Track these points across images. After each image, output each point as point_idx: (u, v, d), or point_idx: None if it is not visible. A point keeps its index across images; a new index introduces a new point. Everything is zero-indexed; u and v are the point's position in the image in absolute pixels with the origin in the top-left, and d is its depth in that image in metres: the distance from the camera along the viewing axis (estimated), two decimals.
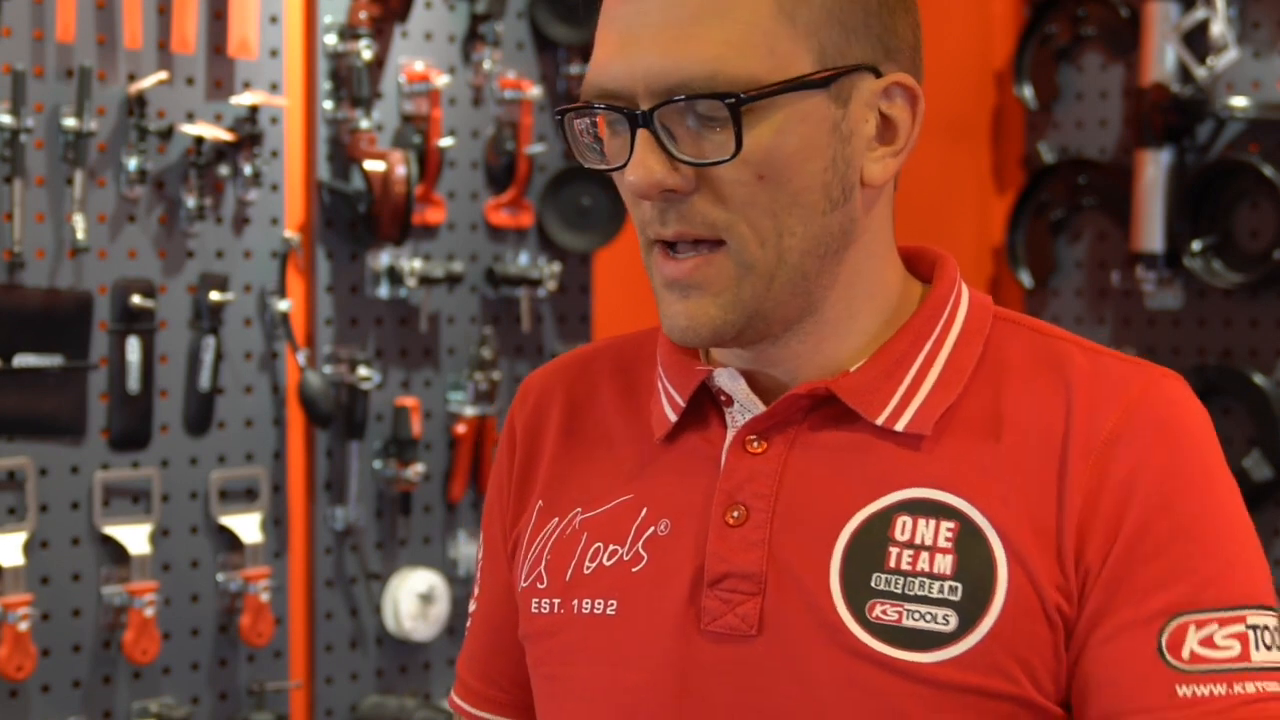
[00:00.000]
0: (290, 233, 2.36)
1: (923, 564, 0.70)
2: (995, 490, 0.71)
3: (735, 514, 0.74)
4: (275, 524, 2.38)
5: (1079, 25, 2.80)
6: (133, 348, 2.18)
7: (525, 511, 0.84)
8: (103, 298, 2.16)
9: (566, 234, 2.57)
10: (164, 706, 2.23)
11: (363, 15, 2.36)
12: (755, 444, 0.75)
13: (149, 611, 2.18)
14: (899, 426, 0.74)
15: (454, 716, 0.90)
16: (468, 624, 0.91)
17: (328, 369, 2.41)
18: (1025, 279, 2.86)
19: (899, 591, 0.70)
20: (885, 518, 0.72)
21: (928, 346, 0.76)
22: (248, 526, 2.31)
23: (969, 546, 0.70)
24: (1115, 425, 0.71)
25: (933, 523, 0.71)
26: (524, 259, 2.60)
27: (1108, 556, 0.70)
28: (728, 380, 0.76)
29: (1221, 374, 2.59)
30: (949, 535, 0.70)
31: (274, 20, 2.31)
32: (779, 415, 0.75)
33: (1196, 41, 2.54)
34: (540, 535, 0.82)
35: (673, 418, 0.79)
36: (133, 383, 2.18)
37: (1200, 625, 0.69)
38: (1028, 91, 2.87)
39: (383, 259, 2.45)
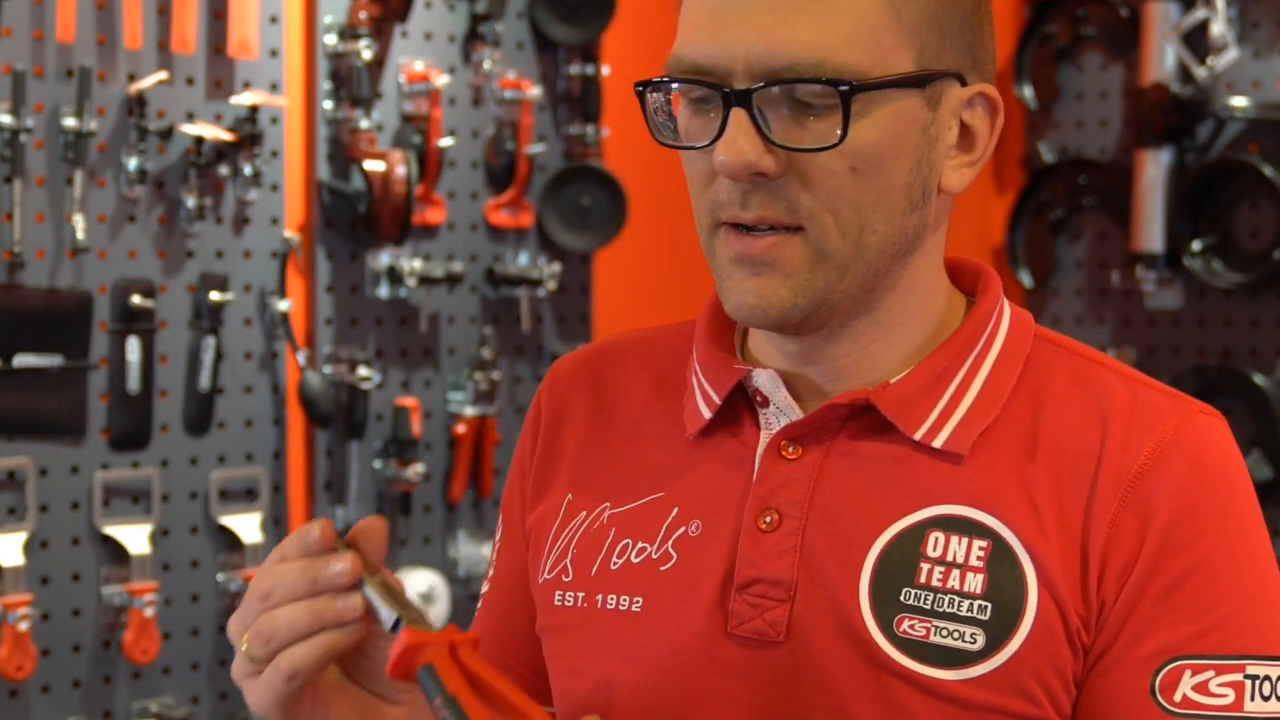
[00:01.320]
0: (290, 233, 2.36)
1: (953, 582, 0.70)
2: (1028, 512, 0.71)
3: (768, 519, 0.74)
4: (275, 524, 2.38)
5: (1079, 25, 2.80)
6: (133, 348, 2.18)
7: (546, 499, 0.84)
8: (103, 298, 2.16)
9: (566, 234, 2.58)
10: (164, 706, 2.23)
11: (363, 15, 2.36)
12: (791, 450, 0.75)
13: (149, 611, 2.18)
14: (937, 443, 0.73)
15: None
16: (479, 604, 0.91)
17: (328, 369, 2.41)
18: (1025, 279, 2.86)
19: (928, 608, 0.70)
20: (918, 533, 0.71)
21: (968, 363, 0.75)
22: (248, 526, 2.31)
23: (1000, 567, 0.70)
24: (1146, 459, 0.71)
25: (965, 540, 0.71)
26: (524, 259, 2.60)
27: (1122, 590, 0.70)
28: (767, 382, 0.75)
29: (1221, 374, 2.59)
30: (981, 554, 0.70)
31: (274, 20, 2.31)
32: (816, 423, 0.74)
33: (1196, 41, 2.54)
34: (568, 528, 0.81)
35: (707, 415, 0.78)
36: (133, 383, 2.18)
37: (1196, 670, 0.69)
38: (1028, 91, 2.87)
39: (383, 259, 2.45)
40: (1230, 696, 0.68)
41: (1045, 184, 2.86)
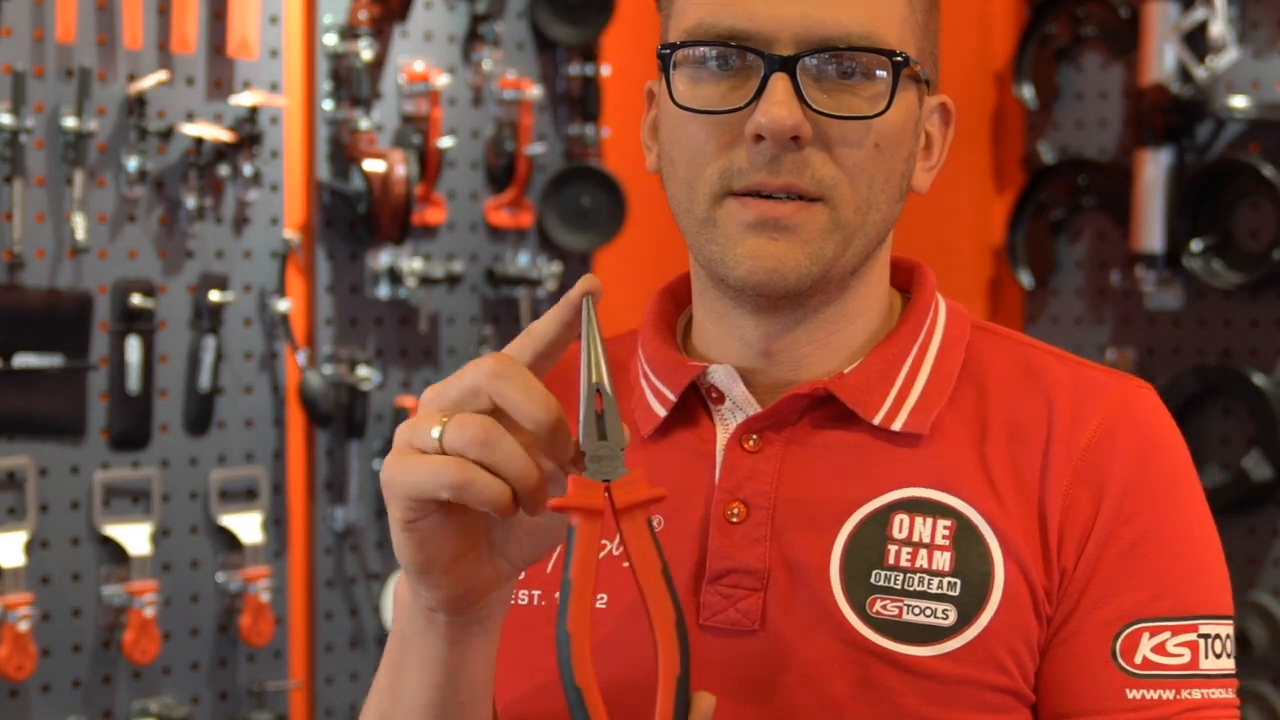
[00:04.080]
0: (290, 233, 2.36)
1: (921, 561, 0.72)
2: (987, 490, 0.73)
3: (735, 511, 0.75)
4: (275, 524, 2.38)
5: (1079, 25, 2.81)
6: (133, 348, 2.18)
7: None
8: (103, 298, 2.16)
9: (566, 234, 2.58)
10: (164, 706, 2.23)
11: (363, 15, 2.36)
12: (752, 442, 0.76)
13: (149, 611, 2.18)
14: (896, 426, 0.75)
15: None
16: None
17: (328, 369, 2.41)
18: (1025, 279, 2.86)
19: (899, 588, 0.72)
20: (883, 516, 0.73)
21: (914, 351, 0.78)
22: (248, 526, 2.31)
23: (966, 543, 0.72)
24: (1094, 434, 0.74)
25: (930, 521, 0.73)
26: (524, 259, 2.60)
27: (1080, 559, 0.73)
28: (724, 378, 0.76)
29: (1221, 374, 2.59)
30: (946, 533, 0.72)
31: (274, 20, 2.31)
32: (777, 414, 0.76)
33: (1196, 41, 2.54)
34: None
35: (662, 413, 0.79)
36: (133, 383, 2.18)
37: (1154, 633, 0.72)
38: (1028, 91, 2.87)
39: (383, 259, 2.45)
40: (1186, 656, 0.71)
41: (1045, 184, 2.85)
